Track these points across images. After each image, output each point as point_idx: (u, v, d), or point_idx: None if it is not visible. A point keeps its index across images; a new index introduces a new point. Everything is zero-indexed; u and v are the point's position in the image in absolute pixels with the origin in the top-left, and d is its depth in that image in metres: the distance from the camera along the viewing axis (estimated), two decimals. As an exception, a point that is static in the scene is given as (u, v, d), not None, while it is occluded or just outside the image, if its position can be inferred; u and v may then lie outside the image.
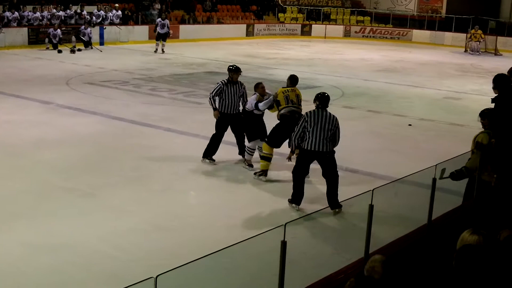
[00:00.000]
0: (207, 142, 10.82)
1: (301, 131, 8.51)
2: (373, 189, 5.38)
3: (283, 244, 4.40)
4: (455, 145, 11.32)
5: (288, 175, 10.18)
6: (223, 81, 10.70)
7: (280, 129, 10.00)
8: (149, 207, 8.63)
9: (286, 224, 4.29)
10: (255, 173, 10.12)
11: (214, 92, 10.58)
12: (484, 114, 7.38)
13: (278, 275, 4.52)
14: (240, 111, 10.76)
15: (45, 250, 7.09)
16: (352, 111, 15.92)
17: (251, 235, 4.60)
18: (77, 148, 11.43)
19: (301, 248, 6.75)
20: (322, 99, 8.66)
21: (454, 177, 6.88)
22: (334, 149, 8.65)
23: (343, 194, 8.20)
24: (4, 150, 11.14)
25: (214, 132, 10.72)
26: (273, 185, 9.82)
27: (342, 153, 11.57)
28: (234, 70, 10.67)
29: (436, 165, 6.90)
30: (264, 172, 10.05)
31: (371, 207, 5.39)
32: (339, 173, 8.56)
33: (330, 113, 8.60)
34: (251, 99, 10.58)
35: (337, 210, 8.25)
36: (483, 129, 7.42)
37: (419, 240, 6.14)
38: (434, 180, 6.55)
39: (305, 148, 8.53)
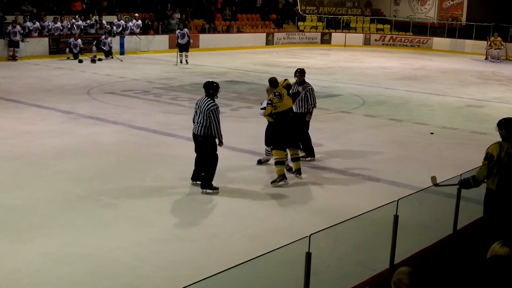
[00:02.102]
0: (226, 150, 10.86)
1: (193, 115, 9.58)
2: (398, 199, 5.29)
3: (308, 255, 4.33)
4: (477, 154, 11.10)
5: (311, 185, 10.14)
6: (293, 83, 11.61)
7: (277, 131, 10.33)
8: (170, 217, 8.60)
9: (311, 235, 4.22)
10: (272, 182, 10.09)
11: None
12: (502, 124, 7.23)
13: (303, 287, 4.45)
14: (306, 110, 11.47)
15: (66, 261, 7.07)
16: (374, 119, 15.83)
17: (272, 245, 4.54)
18: (98, 158, 11.44)
19: (325, 259, 6.67)
20: (204, 87, 9.58)
21: (461, 185, 6.78)
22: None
23: (366, 203, 8.12)
24: (25, 160, 11.16)
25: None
26: (294, 194, 9.75)
27: (364, 162, 11.60)
28: (298, 73, 11.60)
29: (461, 174, 6.81)
30: (282, 177, 10.06)
31: (396, 217, 5.30)
32: (359, 182, 8.53)
33: (207, 100, 9.39)
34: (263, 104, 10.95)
35: (204, 190, 9.44)
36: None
37: (445, 251, 6.04)
38: (459, 189, 6.45)
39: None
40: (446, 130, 14.76)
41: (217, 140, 9.52)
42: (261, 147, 11.16)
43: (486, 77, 25.72)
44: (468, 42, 36.58)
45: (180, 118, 14.96)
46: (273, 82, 10.60)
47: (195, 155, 9.86)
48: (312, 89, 11.59)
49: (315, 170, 10.96)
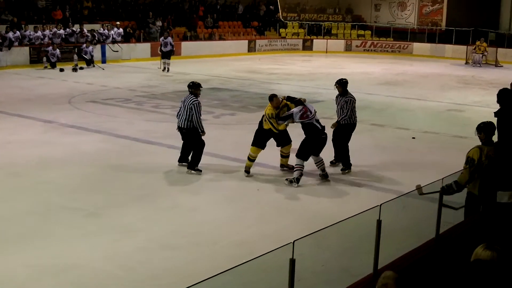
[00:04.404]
0: (210, 157, 10.92)
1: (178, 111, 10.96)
2: (381, 204, 5.33)
3: (292, 262, 4.35)
4: (459, 158, 11.17)
5: (295, 191, 10.18)
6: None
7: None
8: (155, 226, 8.59)
9: (294, 241, 4.25)
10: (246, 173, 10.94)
11: None
12: (480, 128, 7.27)
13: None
14: (345, 121, 11.62)
15: (51, 272, 7.04)
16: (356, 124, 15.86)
17: (257, 252, 4.56)
18: (81, 167, 11.40)
19: (309, 265, 6.70)
20: (188, 86, 11.05)
21: (444, 192, 6.82)
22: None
23: (350, 208, 8.17)
24: (8, 170, 11.11)
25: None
26: (278, 200, 9.78)
27: (347, 168, 11.63)
28: (337, 84, 11.99)
29: (443, 178, 6.87)
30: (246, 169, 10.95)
31: (379, 222, 5.34)
32: (343, 188, 8.59)
33: (191, 97, 10.74)
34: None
35: (189, 170, 10.76)
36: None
37: (428, 255, 6.09)
38: (441, 194, 6.50)
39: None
40: (427, 135, 14.86)
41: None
42: (244, 154, 11.15)
43: (466, 81, 25.93)
44: (448, 47, 36.88)
45: (163, 126, 14.93)
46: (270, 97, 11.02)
47: (177, 162, 11.01)
48: (349, 101, 11.62)
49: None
